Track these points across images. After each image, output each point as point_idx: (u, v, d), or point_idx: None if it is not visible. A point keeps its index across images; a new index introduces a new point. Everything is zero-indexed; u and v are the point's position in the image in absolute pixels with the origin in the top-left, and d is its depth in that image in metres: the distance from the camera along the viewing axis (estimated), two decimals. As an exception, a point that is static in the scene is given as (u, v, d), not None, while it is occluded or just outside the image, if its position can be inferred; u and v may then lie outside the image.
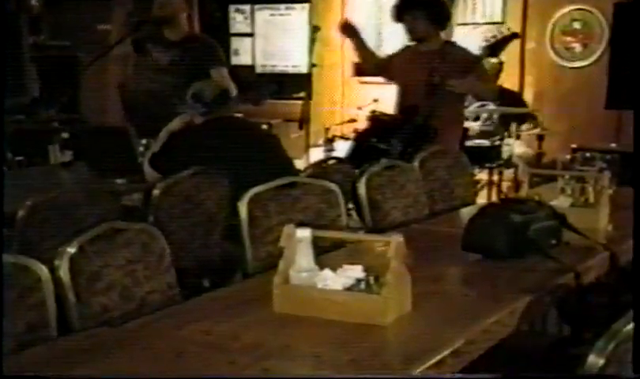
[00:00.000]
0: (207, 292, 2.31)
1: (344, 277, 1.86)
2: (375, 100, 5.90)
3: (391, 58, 4.53)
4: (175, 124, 3.55)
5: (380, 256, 1.93)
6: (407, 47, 4.43)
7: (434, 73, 4.08)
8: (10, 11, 5.10)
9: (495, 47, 4.22)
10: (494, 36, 4.39)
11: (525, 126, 5.90)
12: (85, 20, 6.12)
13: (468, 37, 6.67)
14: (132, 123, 4.25)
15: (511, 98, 6.08)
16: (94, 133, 4.55)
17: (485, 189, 5.64)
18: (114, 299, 2.03)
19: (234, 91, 4.10)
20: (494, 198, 5.58)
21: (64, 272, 1.91)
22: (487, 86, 4.46)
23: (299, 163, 4.61)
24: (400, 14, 4.29)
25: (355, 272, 1.87)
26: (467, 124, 5.59)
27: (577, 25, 6.42)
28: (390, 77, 4.51)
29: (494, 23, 6.61)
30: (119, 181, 3.58)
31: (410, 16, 4.20)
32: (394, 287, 1.80)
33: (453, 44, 4.49)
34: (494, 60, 6.09)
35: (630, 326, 1.37)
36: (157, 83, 4.14)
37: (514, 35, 4.53)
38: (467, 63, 4.16)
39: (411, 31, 4.25)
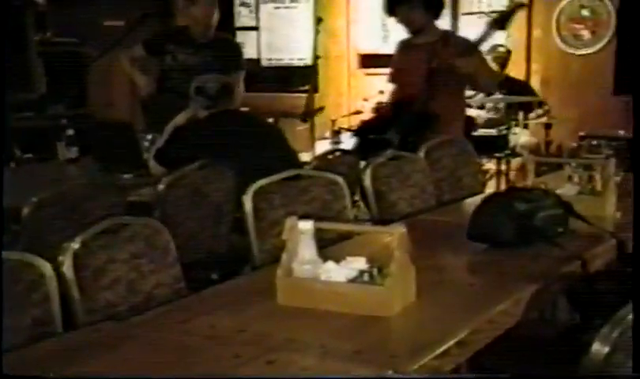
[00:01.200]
0: (214, 285, 2.31)
1: (347, 269, 1.85)
2: (381, 92, 5.89)
3: (394, 55, 4.43)
4: (180, 118, 3.55)
5: (384, 247, 1.93)
6: (404, 43, 4.33)
7: (432, 60, 4.03)
8: (16, 7, 5.12)
9: (502, 21, 4.12)
10: (500, 11, 4.37)
11: (534, 114, 5.87)
12: (92, 16, 6.12)
13: (474, 26, 6.65)
14: (146, 123, 4.22)
15: (518, 86, 6.06)
16: (100, 129, 4.56)
17: (493, 179, 5.62)
18: (119, 294, 2.04)
19: (241, 94, 4.12)
20: (502, 187, 5.56)
21: (67, 268, 1.92)
22: (491, 71, 4.39)
23: (306, 157, 4.61)
24: (394, 7, 4.18)
25: (359, 263, 1.87)
26: (473, 113, 5.58)
27: (584, 12, 6.39)
28: (393, 78, 4.40)
29: (500, 11, 6.56)
30: (125, 176, 3.58)
31: (406, 6, 4.12)
32: (398, 277, 1.80)
33: (452, 33, 4.46)
34: (501, 48, 6.07)
35: (630, 318, 1.36)
36: (186, 83, 4.08)
37: (520, 5, 4.47)
38: (468, 47, 4.13)
39: (408, 23, 4.15)
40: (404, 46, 4.31)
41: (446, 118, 3.98)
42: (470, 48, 4.01)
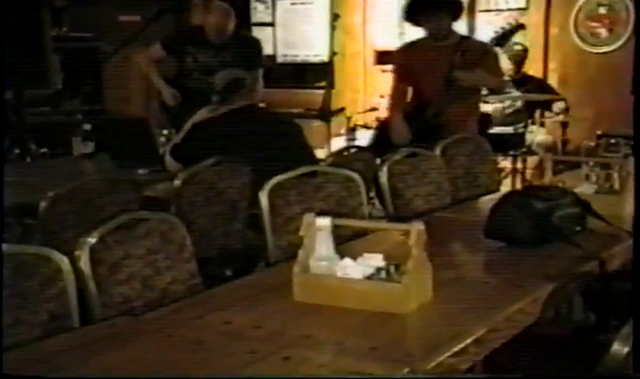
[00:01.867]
0: (228, 281, 2.31)
1: (364, 266, 1.85)
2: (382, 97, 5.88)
3: (405, 55, 4.40)
4: (200, 115, 3.55)
5: (401, 244, 1.91)
6: (421, 43, 4.28)
7: (452, 68, 4.02)
8: (33, 3, 5.14)
9: (501, 38, 4.24)
10: (502, 28, 4.46)
11: (552, 113, 5.83)
12: (107, 11, 6.15)
13: (491, 23, 6.62)
14: (168, 121, 4.23)
15: (536, 84, 6.02)
16: (116, 124, 4.57)
17: (509, 177, 5.59)
18: (135, 289, 2.04)
19: (260, 90, 4.13)
20: (518, 186, 5.52)
21: (84, 263, 1.92)
22: (494, 79, 4.37)
23: (321, 153, 4.61)
24: (416, 15, 4.15)
25: (376, 260, 1.86)
26: (490, 109, 5.55)
27: (602, 10, 6.33)
28: (408, 76, 4.32)
29: (517, 9, 6.54)
30: (141, 171, 3.59)
31: (436, 17, 4.07)
32: (415, 275, 1.79)
33: (469, 38, 4.44)
34: (517, 46, 6.03)
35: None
36: (205, 84, 4.08)
37: (520, 26, 4.60)
38: (484, 51, 4.13)
39: (436, 31, 4.12)
40: (419, 47, 4.28)
41: (460, 120, 3.98)
42: (486, 51, 4.05)
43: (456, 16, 4.15)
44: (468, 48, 4.13)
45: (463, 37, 4.34)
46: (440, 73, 4.04)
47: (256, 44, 4.67)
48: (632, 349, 1.32)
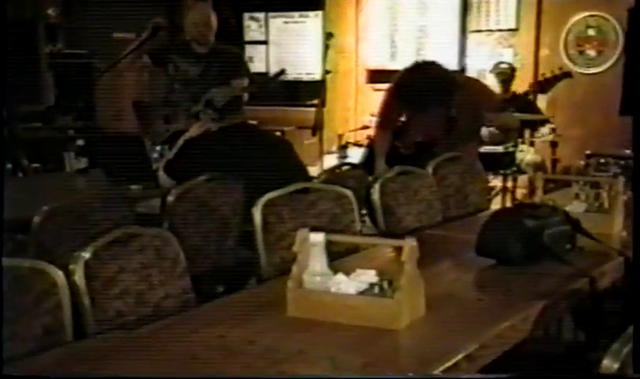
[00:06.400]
0: (222, 297, 2.32)
1: (357, 281, 1.86)
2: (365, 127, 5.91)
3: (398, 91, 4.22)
4: (193, 131, 3.57)
5: (393, 260, 1.93)
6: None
7: (451, 106, 3.94)
8: (28, 20, 5.17)
9: (546, 84, 4.24)
10: (543, 74, 4.46)
11: (539, 132, 5.88)
12: (102, 28, 6.17)
13: (482, 44, 6.69)
14: (149, 134, 4.24)
15: (525, 104, 6.08)
16: (109, 140, 4.58)
17: (499, 196, 5.63)
18: (129, 304, 2.05)
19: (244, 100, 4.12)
20: (507, 204, 5.56)
21: (79, 277, 1.93)
22: (515, 122, 4.36)
23: (313, 170, 4.63)
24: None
25: (369, 276, 1.88)
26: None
27: (591, 32, 6.41)
28: (405, 107, 4.18)
29: (507, 30, 6.61)
30: (134, 187, 3.60)
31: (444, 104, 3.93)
32: (407, 291, 1.80)
33: (469, 79, 4.40)
34: (504, 65, 6.09)
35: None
36: (184, 94, 4.11)
37: (566, 74, 4.58)
38: (483, 96, 4.10)
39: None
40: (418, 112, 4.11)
41: (462, 155, 3.92)
42: (489, 94, 4.03)
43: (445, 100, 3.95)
44: (471, 89, 4.08)
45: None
46: (442, 115, 3.96)
47: (237, 55, 4.66)
48: (632, 349, 1.34)
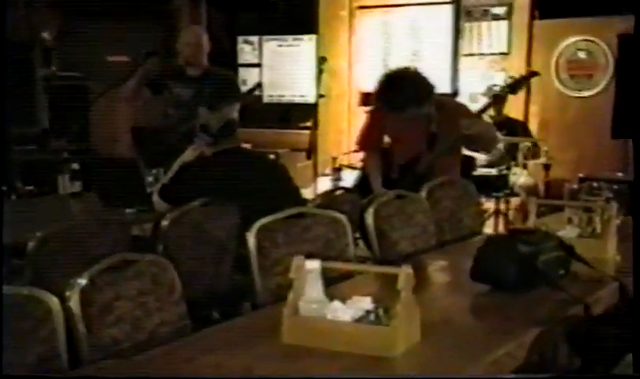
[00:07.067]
0: (216, 323, 2.31)
1: (353, 308, 1.87)
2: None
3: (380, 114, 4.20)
4: (188, 155, 3.58)
5: (388, 287, 1.94)
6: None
7: (431, 125, 3.96)
8: (23, 43, 5.19)
9: (515, 85, 4.29)
10: (512, 77, 4.52)
11: (528, 155, 5.93)
12: (96, 51, 6.20)
13: (474, 67, 6.74)
14: (144, 158, 4.25)
15: (517, 128, 6.12)
16: (103, 164, 4.59)
17: (492, 218, 5.64)
18: (124, 331, 2.04)
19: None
20: (501, 227, 5.59)
21: (75, 304, 1.92)
22: (493, 131, 4.37)
23: (307, 193, 4.64)
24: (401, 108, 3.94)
25: (365, 303, 1.88)
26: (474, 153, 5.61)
27: (582, 55, 6.47)
28: (385, 131, 4.22)
29: (499, 54, 6.66)
30: (128, 211, 3.60)
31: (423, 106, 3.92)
32: (403, 318, 1.81)
33: (446, 98, 4.44)
34: (496, 88, 6.13)
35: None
36: (177, 118, 4.13)
37: (534, 73, 4.65)
38: (463, 110, 4.15)
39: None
40: (398, 115, 4.04)
41: (444, 172, 3.93)
42: (467, 111, 4.08)
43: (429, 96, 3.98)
44: (447, 106, 4.12)
45: (440, 96, 4.27)
46: (422, 133, 3.97)
47: (229, 78, 4.68)
48: (632, 349, 1.35)
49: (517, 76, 4.44)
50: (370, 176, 4.19)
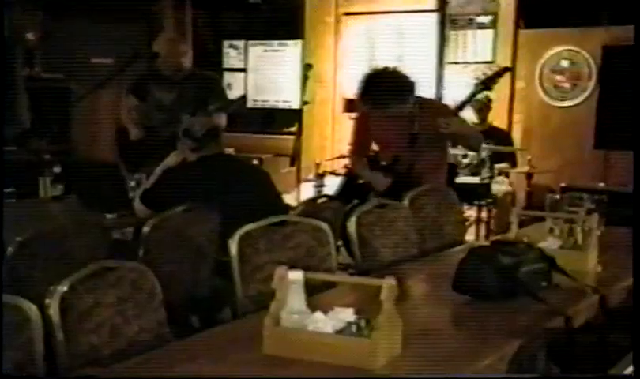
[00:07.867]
0: (195, 328, 2.30)
1: (335, 320, 1.86)
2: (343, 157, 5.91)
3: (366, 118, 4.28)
4: (170, 160, 3.56)
5: (370, 296, 1.93)
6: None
7: (413, 125, 3.99)
8: (5, 42, 5.13)
9: (488, 82, 4.28)
10: (484, 73, 4.49)
11: (505, 165, 5.94)
12: (80, 53, 6.15)
13: (459, 75, 6.76)
14: (126, 161, 4.21)
15: (500, 136, 6.14)
16: (85, 167, 4.55)
17: (474, 226, 5.65)
18: (103, 337, 2.02)
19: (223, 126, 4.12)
20: (482, 235, 5.60)
21: (54, 311, 1.90)
22: (474, 129, 4.40)
23: (290, 198, 4.63)
24: (383, 105, 3.98)
25: (347, 314, 1.87)
26: (456, 161, 5.63)
27: (564, 63, 6.51)
28: (370, 135, 4.26)
29: (484, 62, 6.68)
30: (109, 215, 3.57)
31: (395, 105, 3.95)
32: (385, 330, 1.80)
33: (427, 99, 4.43)
34: (480, 96, 6.15)
35: (630, 370, 1.37)
36: (158, 121, 4.11)
37: (506, 69, 4.65)
38: (445, 110, 4.18)
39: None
40: (381, 112, 4.09)
41: (428, 175, 3.96)
42: (449, 110, 4.09)
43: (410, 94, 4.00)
44: (429, 106, 4.13)
45: (421, 97, 4.26)
46: (405, 134, 3.98)
47: (212, 81, 4.63)
48: (632, 349, 1.35)
49: (489, 72, 4.44)
50: (364, 177, 4.23)
